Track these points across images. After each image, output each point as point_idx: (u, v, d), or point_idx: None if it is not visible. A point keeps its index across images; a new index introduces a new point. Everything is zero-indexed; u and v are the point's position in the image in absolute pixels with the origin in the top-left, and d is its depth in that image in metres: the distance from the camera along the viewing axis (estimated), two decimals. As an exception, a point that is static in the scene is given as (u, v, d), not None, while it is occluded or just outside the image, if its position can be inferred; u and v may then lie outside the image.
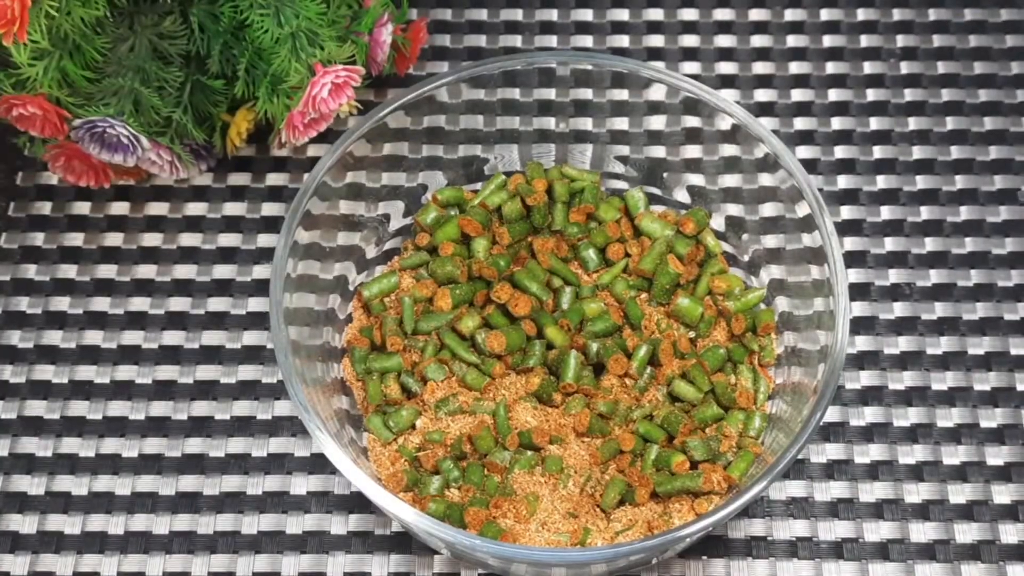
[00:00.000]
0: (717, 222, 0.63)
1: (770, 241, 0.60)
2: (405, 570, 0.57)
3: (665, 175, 0.63)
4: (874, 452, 0.60)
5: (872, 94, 0.70)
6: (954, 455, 0.60)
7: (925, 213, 0.67)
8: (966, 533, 0.58)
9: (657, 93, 0.61)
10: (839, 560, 0.57)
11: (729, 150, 0.60)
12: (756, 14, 0.73)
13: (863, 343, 0.63)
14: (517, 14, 0.73)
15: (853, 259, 0.65)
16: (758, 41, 0.72)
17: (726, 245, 0.63)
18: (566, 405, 0.58)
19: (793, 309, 0.59)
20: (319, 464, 0.60)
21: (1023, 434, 0.61)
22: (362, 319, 0.61)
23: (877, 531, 0.58)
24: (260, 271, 0.65)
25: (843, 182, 0.68)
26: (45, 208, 0.67)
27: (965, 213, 0.66)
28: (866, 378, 0.62)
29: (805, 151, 0.69)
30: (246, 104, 0.64)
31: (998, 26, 0.72)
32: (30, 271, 0.65)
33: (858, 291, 0.64)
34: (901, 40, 0.72)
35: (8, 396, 0.62)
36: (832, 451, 0.60)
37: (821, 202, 0.56)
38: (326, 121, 0.63)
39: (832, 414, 0.61)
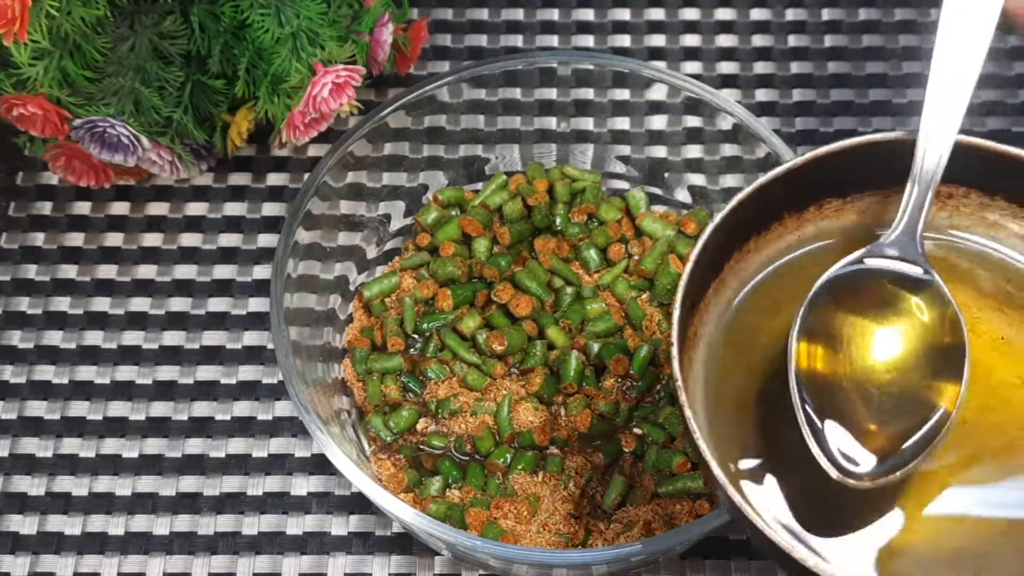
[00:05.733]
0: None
1: (772, 241, 0.60)
2: (406, 571, 0.57)
3: (666, 175, 0.63)
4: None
5: (874, 94, 0.70)
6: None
7: (927, 213, 0.66)
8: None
9: (658, 93, 0.61)
10: (841, 561, 0.57)
11: (730, 150, 0.60)
12: (757, 14, 0.73)
13: (865, 343, 0.63)
14: (518, 14, 0.73)
15: (855, 259, 0.65)
16: (759, 41, 0.72)
17: (727, 245, 0.63)
18: (567, 405, 0.58)
19: (795, 309, 0.59)
20: (320, 465, 0.60)
21: None
22: (363, 319, 0.61)
23: (879, 532, 0.58)
24: (260, 271, 0.65)
25: (845, 182, 0.67)
26: (45, 208, 0.67)
27: (967, 213, 0.66)
28: (868, 378, 0.62)
29: (807, 151, 0.68)
30: (246, 104, 0.64)
31: (1000, 26, 0.72)
32: (30, 271, 0.65)
33: (860, 291, 0.64)
34: (903, 39, 0.72)
35: (8, 396, 0.62)
36: (834, 452, 0.60)
37: (823, 202, 0.56)
38: (327, 121, 0.63)
39: (834, 415, 0.61)
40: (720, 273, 0.49)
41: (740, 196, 0.47)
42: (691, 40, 0.72)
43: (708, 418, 0.46)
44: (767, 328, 0.49)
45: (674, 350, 0.45)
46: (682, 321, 0.46)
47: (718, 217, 0.47)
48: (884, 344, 0.46)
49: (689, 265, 0.46)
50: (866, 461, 0.43)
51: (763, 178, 0.48)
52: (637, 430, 0.57)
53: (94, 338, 0.63)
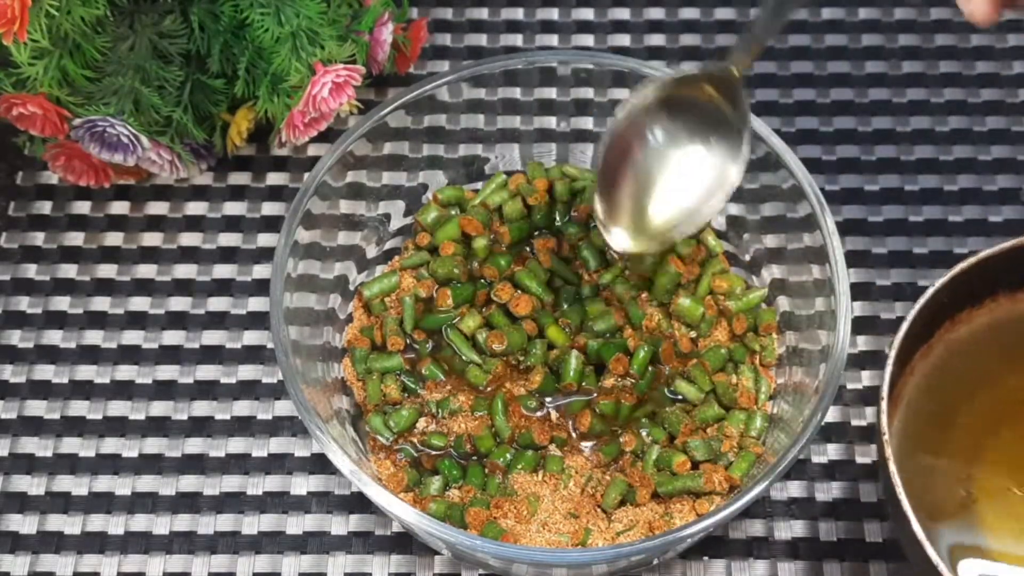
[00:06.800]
0: (718, 221, 0.63)
1: (771, 241, 0.60)
2: (406, 570, 0.57)
3: (666, 174, 0.63)
4: (875, 453, 0.60)
5: (874, 93, 0.70)
6: (956, 455, 0.60)
7: (927, 213, 0.66)
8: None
9: (658, 92, 0.61)
10: (841, 561, 0.57)
11: (730, 149, 0.60)
12: (757, 13, 0.73)
13: (864, 343, 0.63)
14: (518, 13, 0.73)
15: (854, 259, 0.65)
16: (759, 40, 0.72)
17: (727, 245, 0.63)
18: (567, 405, 0.58)
19: (794, 309, 0.59)
20: (319, 464, 0.60)
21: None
22: (363, 319, 0.61)
23: (878, 531, 0.58)
24: (260, 271, 0.65)
25: (844, 181, 0.67)
26: (45, 208, 0.67)
27: (967, 212, 0.66)
28: (867, 378, 0.62)
29: (806, 150, 0.68)
30: (246, 103, 0.64)
31: (1000, 25, 0.72)
32: (30, 271, 0.65)
33: (859, 291, 0.64)
34: (903, 39, 0.72)
35: (8, 396, 0.62)
36: (833, 451, 0.60)
37: (822, 201, 0.56)
38: (326, 120, 0.63)
39: (833, 414, 0.61)
40: (929, 340, 0.51)
41: (961, 266, 0.50)
42: (691, 40, 0.72)
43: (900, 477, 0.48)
44: (966, 398, 0.51)
45: (883, 404, 0.48)
46: (892, 379, 0.49)
47: (937, 283, 0.49)
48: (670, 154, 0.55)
49: (904, 326, 0.49)
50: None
51: (983, 253, 0.50)
52: (637, 430, 0.57)
53: (94, 338, 0.63)
